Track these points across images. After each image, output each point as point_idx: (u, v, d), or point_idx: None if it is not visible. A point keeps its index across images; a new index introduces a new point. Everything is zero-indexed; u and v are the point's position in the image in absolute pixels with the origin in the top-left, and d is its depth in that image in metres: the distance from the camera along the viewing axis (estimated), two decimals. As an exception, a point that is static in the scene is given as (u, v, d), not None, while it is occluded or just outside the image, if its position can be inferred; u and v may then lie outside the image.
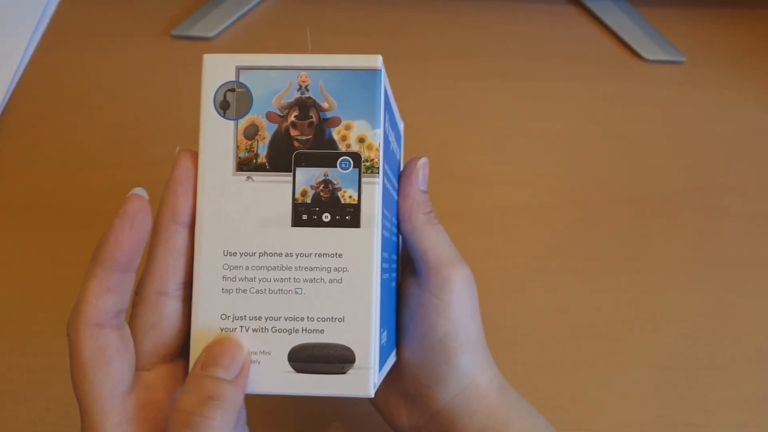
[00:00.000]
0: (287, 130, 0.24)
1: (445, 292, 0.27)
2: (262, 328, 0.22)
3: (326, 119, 0.24)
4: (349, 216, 0.23)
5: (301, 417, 0.36)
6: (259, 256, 0.23)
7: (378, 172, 0.23)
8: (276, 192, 0.23)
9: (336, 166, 0.23)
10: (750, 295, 0.41)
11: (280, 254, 0.23)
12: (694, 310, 0.40)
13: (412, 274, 0.28)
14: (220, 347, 0.21)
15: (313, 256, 0.22)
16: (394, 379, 0.29)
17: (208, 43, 0.52)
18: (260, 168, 0.23)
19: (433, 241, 0.27)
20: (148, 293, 0.22)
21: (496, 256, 0.42)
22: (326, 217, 0.23)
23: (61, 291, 0.39)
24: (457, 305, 0.27)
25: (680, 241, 0.43)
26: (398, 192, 0.28)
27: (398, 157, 0.30)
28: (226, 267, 0.22)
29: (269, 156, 0.23)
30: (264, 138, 0.24)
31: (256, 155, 0.23)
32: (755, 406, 0.37)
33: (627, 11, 0.55)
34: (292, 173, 0.23)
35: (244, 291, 0.22)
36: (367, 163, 0.23)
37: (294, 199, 0.23)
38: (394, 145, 0.28)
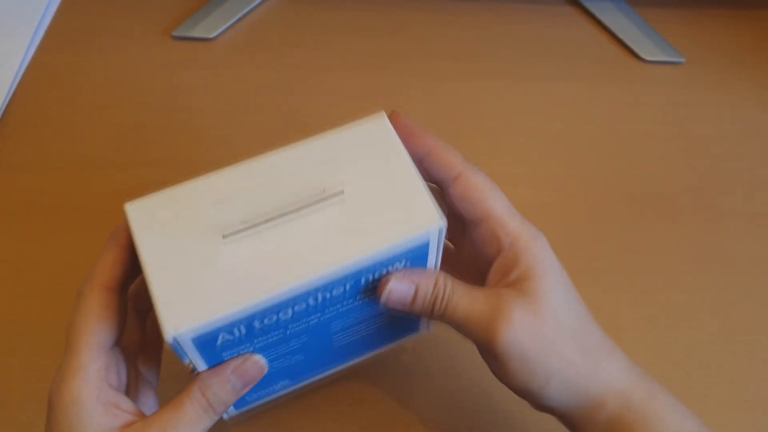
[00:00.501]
0: None
1: (497, 360, 0.26)
2: None
3: None
4: None
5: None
6: None
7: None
8: None
9: None
10: (750, 295, 0.41)
11: None
12: (694, 310, 0.40)
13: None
14: (251, 367, 0.26)
15: None
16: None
17: (208, 44, 0.52)
18: None
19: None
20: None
21: (496, 256, 0.42)
22: None
23: (62, 290, 0.39)
24: (518, 363, 0.26)
25: (680, 241, 0.43)
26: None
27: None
28: None
29: None
30: None
31: None
32: (755, 407, 0.37)
33: (626, 12, 0.55)
34: None
35: None
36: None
37: None
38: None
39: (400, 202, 0.25)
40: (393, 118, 0.27)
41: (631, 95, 0.50)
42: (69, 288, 0.39)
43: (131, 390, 0.27)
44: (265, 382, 0.28)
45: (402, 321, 0.31)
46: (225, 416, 0.28)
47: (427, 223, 0.25)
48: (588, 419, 0.26)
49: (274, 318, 0.24)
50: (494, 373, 0.28)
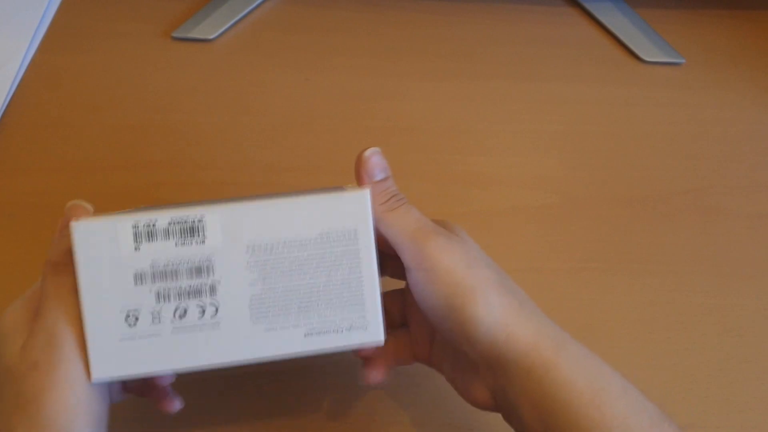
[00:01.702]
0: None
1: (424, 261, 0.26)
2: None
3: None
4: None
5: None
6: None
7: None
8: None
9: None
10: (749, 295, 0.41)
11: None
12: (694, 310, 0.40)
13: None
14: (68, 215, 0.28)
15: None
16: (451, 358, 0.29)
17: (208, 45, 0.52)
18: None
19: (397, 223, 0.27)
20: None
21: (496, 257, 0.41)
22: None
23: (61, 291, 0.39)
24: (442, 266, 0.26)
25: (680, 241, 0.43)
26: None
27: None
28: None
29: None
30: None
31: None
32: (754, 407, 0.37)
33: (626, 13, 0.55)
34: None
35: None
36: None
37: None
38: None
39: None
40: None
41: (631, 96, 0.50)
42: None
43: None
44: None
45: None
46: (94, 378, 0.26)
47: None
48: (521, 370, 0.25)
49: None
50: (418, 291, 0.27)
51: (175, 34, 0.52)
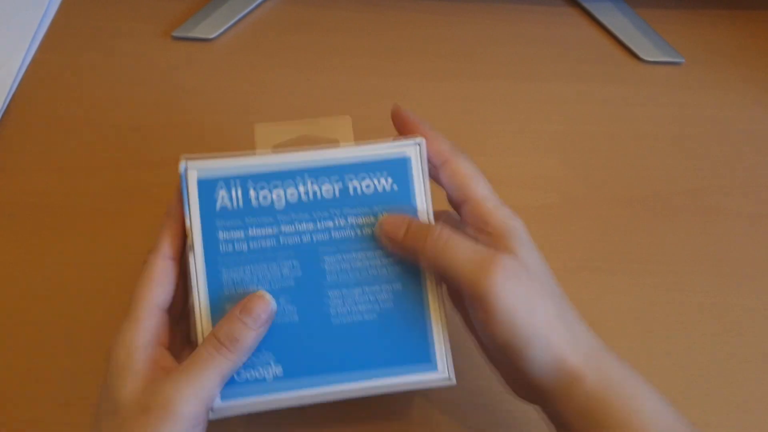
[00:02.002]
0: None
1: (484, 301, 0.26)
2: None
3: None
4: None
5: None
6: None
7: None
8: None
9: None
10: (750, 295, 0.41)
11: None
12: (694, 310, 0.40)
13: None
14: (257, 302, 0.28)
15: None
16: (504, 365, 0.30)
17: (208, 45, 0.52)
18: None
19: (452, 250, 0.28)
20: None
21: (496, 256, 0.42)
22: None
23: (62, 290, 0.39)
24: (503, 308, 0.26)
25: (680, 241, 0.43)
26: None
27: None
28: None
29: None
30: None
31: None
32: (754, 407, 0.37)
33: (626, 13, 0.55)
34: None
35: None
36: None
37: None
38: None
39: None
40: (394, 111, 0.32)
41: (630, 95, 0.50)
42: (69, 288, 0.39)
43: (173, 349, 0.30)
44: (257, 353, 0.29)
45: (408, 336, 0.30)
46: (211, 415, 0.28)
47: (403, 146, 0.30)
48: (566, 395, 0.26)
49: (268, 197, 0.30)
50: (477, 326, 0.28)
51: (175, 34, 0.52)
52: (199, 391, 0.27)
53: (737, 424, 0.36)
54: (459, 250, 0.27)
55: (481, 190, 0.30)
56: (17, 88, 0.49)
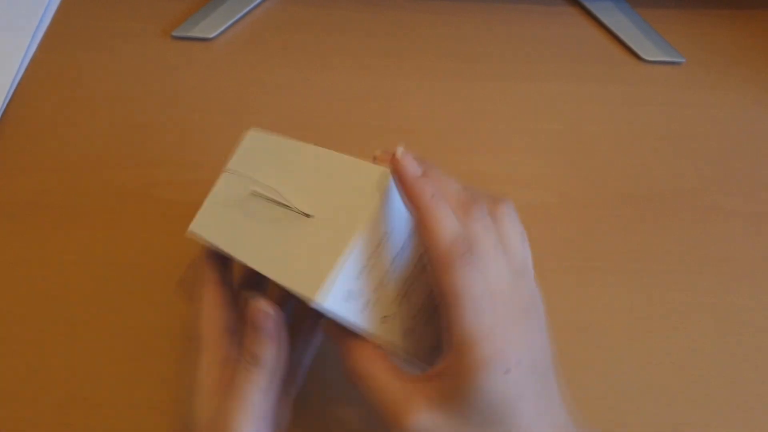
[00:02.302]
0: None
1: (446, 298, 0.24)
2: None
3: None
4: None
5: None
6: None
7: None
8: None
9: None
10: (749, 295, 0.41)
11: None
12: (694, 310, 0.40)
13: None
14: (257, 316, 0.28)
15: None
16: None
17: (208, 44, 0.52)
18: None
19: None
20: None
21: (496, 256, 0.42)
22: None
23: (62, 290, 0.39)
24: (465, 332, 0.23)
25: (680, 241, 0.43)
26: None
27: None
28: None
29: None
30: None
31: None
32: (754, 406, 0.37)
33: (626, 12, 0.55)
34: None
35: None
36: None
37: None
38: None
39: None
40: (393, 163, 0.25)
41: (631, 95, 0.50)
42: (69, 287, 0.39)
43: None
44: None
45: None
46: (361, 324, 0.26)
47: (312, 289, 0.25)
48: None
49: None
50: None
51: (174, 34, 0.52)
52: (249, 412, 0.27)
53: (737, 424, 0.36)
54: (383, 378, 0.26)
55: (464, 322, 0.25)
56: (17, 88, 0.49)
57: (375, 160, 0.28)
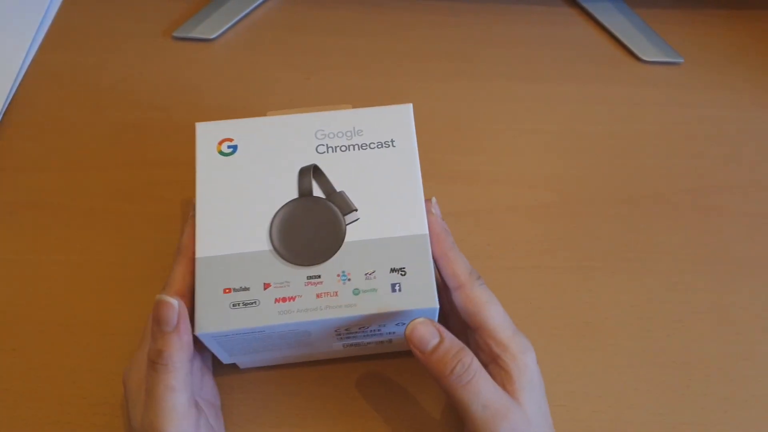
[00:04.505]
0: None
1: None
2: None
3: None
4: None
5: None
6: None
7: None
8: None
9: None
10: (749, 295, 0.41)
11: None
12: (693, 310, 0.40)
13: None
14: (161, 308, 0.28)
15: None
16: None
17: (209, 45, 0.52)
18: None
19: (468, 397, 0.28)
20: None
21: (496, 256, 0.42)
22: None
23: (62, 290, 0.39)
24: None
25: (679, 240, 0.43)
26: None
27: None
28: None
29: None
30: None
31: None
32: (753, 406, 0.37)
33: (625, 13, 0.55)
34: None
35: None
36: None
37: None
38: None
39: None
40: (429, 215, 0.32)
41: (630, 95, 0.50)
42: (69, 287, 0.39)
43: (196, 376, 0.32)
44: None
45: None
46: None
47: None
48: None
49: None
50: None
51: (175, 34, 0.52)
52: (168, 417, 0.28)
53: (737, 423, 0.36)
54: (478, 394, 0.28)
55: (495, 319, 0.30)
56: (18, 88, 0.49)
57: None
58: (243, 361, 0.35)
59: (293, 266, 0.30)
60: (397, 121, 0.33)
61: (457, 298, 0.31)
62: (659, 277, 0.41)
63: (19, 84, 0.49)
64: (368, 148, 0.32)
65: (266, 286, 0.29)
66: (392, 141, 0.33)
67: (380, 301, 0.29)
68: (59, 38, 0.52)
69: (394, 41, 0.53)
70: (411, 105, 0.34)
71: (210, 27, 0.52)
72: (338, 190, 0.31)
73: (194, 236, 0.30)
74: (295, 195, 0.31)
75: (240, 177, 0.32)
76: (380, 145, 0.32)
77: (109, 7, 0.54)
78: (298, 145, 0.32)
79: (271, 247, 0.30)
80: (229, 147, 0.32)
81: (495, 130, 0.48)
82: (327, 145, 0.32)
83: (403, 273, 0.30)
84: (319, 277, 0.29)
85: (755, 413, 0.37)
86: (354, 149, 0.32)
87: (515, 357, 0.30)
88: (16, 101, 0.48)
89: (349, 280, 0.29)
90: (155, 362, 0.28)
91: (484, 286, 0.31)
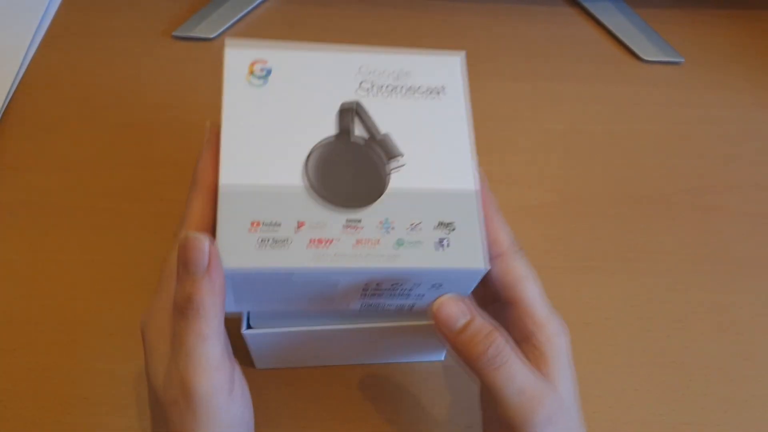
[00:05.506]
0: None
1: None
2: None
3: None
4: None
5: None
6: None
7: None
8: None
9: None
10: (749, 295, 0.41)
11: None
12: (693, 310, 0.40)
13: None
14: (189, 250, 0.25)
15: None
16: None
17: (209, 44, 0.52)
18: None
19: (502, 384, 0.26)
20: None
21: (496, 256, 0.42)
22: None
23: (62, 289, 0.39)
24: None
25: (679, 240, 0.43)
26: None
27: None
28: None
29: None
30: None
31: None
32: (753, 406, 0.37)
33: (626, 13, 0.55)
34: None
35: None
36: None
37: None
38: None
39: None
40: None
41: (630, 95, 0.50)
42: (69, 287, 0.39)
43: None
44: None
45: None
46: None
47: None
48: None
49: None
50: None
51: (175, 33, 0.52)
52: (200, 368, 0.24)
53: (737, 423, 0.36)
54: (513, 378, 0.26)
55: (533, 296, 0.28)
56: (18, 88, 0.49)
57: None
58: (248, 310, 0.31)
59: (331, 207, 0.26)
60: (448, 69, 0.30)
61: (495, 267, 0.28)
62: (659, 277, 0.41)
63: (19, 84, 0.49)
64: (416, 93, 0.29)
65: (300, 224, 0.26)
66: (443, 88, 0.30)
67: (424, 256, 0.26)
68: (59, 37, 0.52)
69: (394, 41, 0.53)
70: (464, 52, 0.31)
71: (210, 26, 0.52)
72: (382, 132, 0.28)
73: (213, 164, 0.27)
74: (333, 132, 0.28)
75: (272, 104, 0.28)
76: (429, 90, 0.30)
77: (108, 6, 0.54)
78: (340, 79, 0.29)
79: (306, 183, 0.27)
80: (262, 69, 0.29)
81: (495, 129, 0.48)
82: (372, 82, 0.29)
83: (452, 229, 0.27)
84: (360, 221, 0.26)
85: (755, 413, 0.37)
86: (400, 91, 0.29)
87: (550, 338, 0.28)
88: (15, 101, 0.48)
89: (393, 228, 0.26)
90: (185, 309, 0.25)
91: (525, 259, 0.29)
